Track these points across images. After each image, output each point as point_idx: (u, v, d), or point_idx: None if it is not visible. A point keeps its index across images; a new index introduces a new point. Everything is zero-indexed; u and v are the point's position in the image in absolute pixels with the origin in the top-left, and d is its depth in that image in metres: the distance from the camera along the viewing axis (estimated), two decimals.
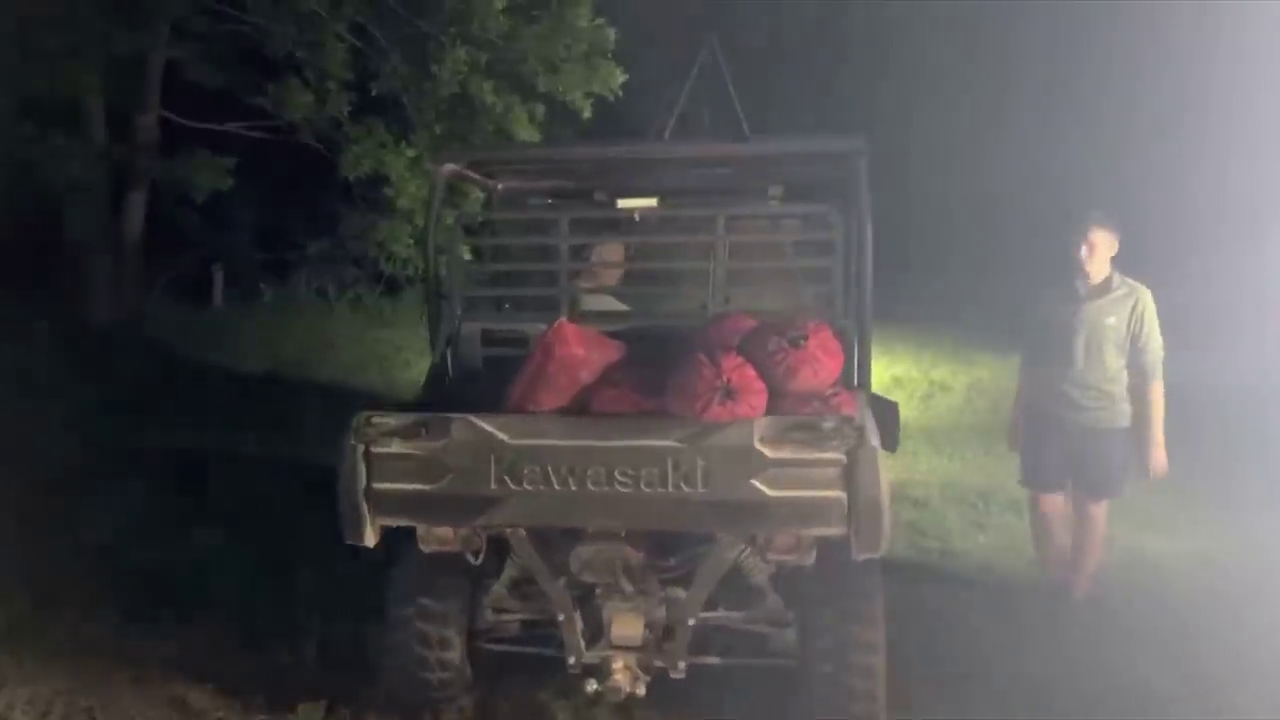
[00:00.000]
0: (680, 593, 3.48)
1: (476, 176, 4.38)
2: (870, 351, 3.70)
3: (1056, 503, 5.03)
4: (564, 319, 3.38)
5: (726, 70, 5.14)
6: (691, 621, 3.46)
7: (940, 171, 16.62)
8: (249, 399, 9.26)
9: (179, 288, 14.23)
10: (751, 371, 3.06)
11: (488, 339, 4.02)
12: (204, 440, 7.93)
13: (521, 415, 3.20)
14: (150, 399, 9.02)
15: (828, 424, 2.97)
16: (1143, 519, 6.03)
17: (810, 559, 3.21)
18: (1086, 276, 4.82)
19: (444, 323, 4.05)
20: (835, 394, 3.22)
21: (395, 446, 3.16)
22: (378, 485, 3.19)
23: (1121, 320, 4.78)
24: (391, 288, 14.62)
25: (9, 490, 6.01)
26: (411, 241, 10.77)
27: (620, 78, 10.30)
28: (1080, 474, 4.94)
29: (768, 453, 2.97)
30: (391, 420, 3.16)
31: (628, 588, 3.41)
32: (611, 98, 10.40)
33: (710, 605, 3.54)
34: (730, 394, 2.98)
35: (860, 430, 2.95)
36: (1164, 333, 4.79)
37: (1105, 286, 4.83)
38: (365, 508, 3.18)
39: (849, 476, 2.95)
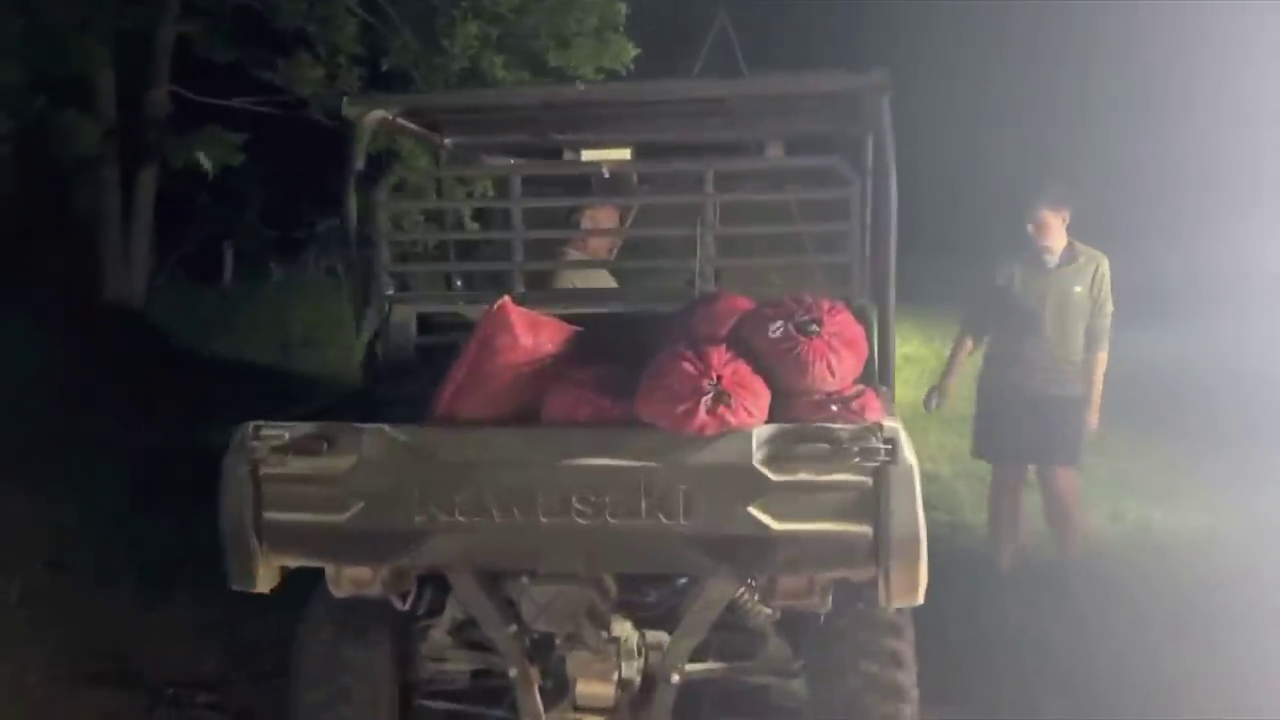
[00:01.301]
0: (662, 638, 2.75)
1: (416, 128, 3.58)
2: (893, 339, 2.96)
3: (1021, 472, 5.19)
4: (507, 298, 2.58)
5: (737, 46, 5.17)
6: (675, 678, 2.72)
7: (949, 148, 16.60)
8: (259, 377, 9.24)
9: (188, 265, 14.03)
10: (748, 368, 2.34)
11: (425, 326, 3.30)
12: (214, 417, 7.99)
13: (452, 425, 2.48)
14: (160, 376, 8.99)
15: (847, 434, 2.25)
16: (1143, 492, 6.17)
17: (827, 605, 2.53)
18: (1045, 250, 4.92)
19: (371, 307, 3.31)
20: (859, 395, 2.47)
21: (291, 466, 2.43)
22: (270, 515, 2.46)
23: (1085, 288, 4.91)
24: None
25: (22, 460, 6.05)
26: (421, 219, 10.76)
27: (632, 52, 10.12)
28: (1043, 443, 4.99)
29: (770, 473, 2.27)
30: (285, 432, 2.43)
31: (594, 639, 2.65)
32: (623, 72, 10.41)
33: (699, 654, 2.79)
34: (721, 397, 2.27)
35: (892, 442, 2.24)
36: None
37: (1070, 256, 4.94)
38: (255, 544, 2.46)
39: (876, 503, 2.24)
